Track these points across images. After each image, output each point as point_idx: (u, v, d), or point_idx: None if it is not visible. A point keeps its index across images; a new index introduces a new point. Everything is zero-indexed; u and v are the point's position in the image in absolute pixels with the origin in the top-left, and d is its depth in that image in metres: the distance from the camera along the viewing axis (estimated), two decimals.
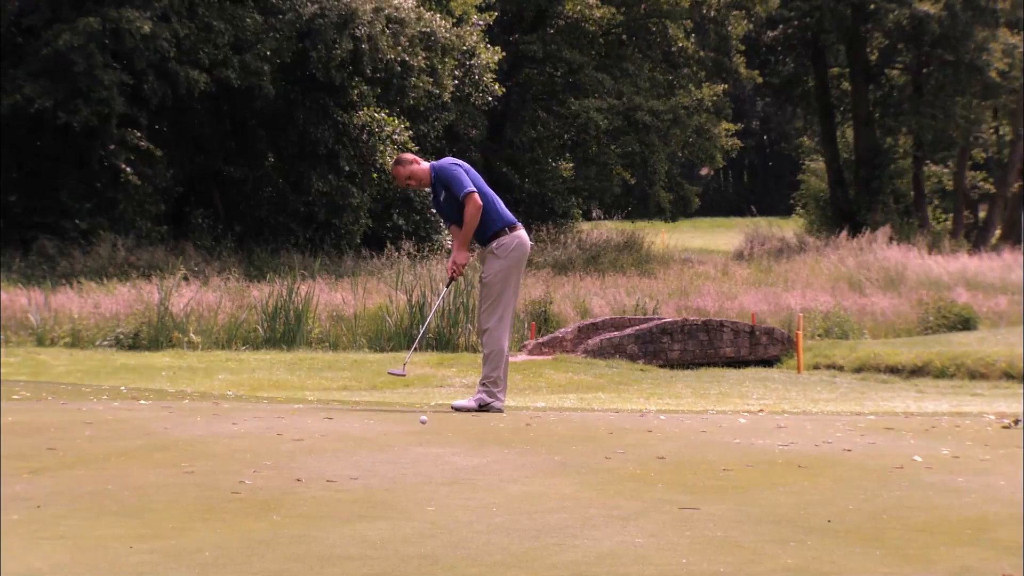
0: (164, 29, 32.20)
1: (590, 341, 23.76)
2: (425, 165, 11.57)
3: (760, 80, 56.85)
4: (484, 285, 11.48)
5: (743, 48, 53.72)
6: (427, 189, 12.24)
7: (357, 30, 34.05)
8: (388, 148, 36.58)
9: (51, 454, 8.80)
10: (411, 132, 38.07)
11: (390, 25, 35.13)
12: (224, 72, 33.18)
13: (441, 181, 11.39)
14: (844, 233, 40.90)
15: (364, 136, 36.37)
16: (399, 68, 35.08)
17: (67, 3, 32.32)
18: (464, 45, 37.81)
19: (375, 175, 36.28)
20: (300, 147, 36.41)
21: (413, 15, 35.65)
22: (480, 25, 40.06)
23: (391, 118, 36.96)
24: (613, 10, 47.20)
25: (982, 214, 61.61)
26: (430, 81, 36.33)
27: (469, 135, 43.82)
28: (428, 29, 35.97)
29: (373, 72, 35.14)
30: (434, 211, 12.45)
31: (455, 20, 38.56)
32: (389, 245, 34.58)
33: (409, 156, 11.79)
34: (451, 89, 37.74)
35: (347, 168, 36.03)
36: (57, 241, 32.03)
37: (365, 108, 36.57)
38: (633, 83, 46.20)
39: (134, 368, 19.47)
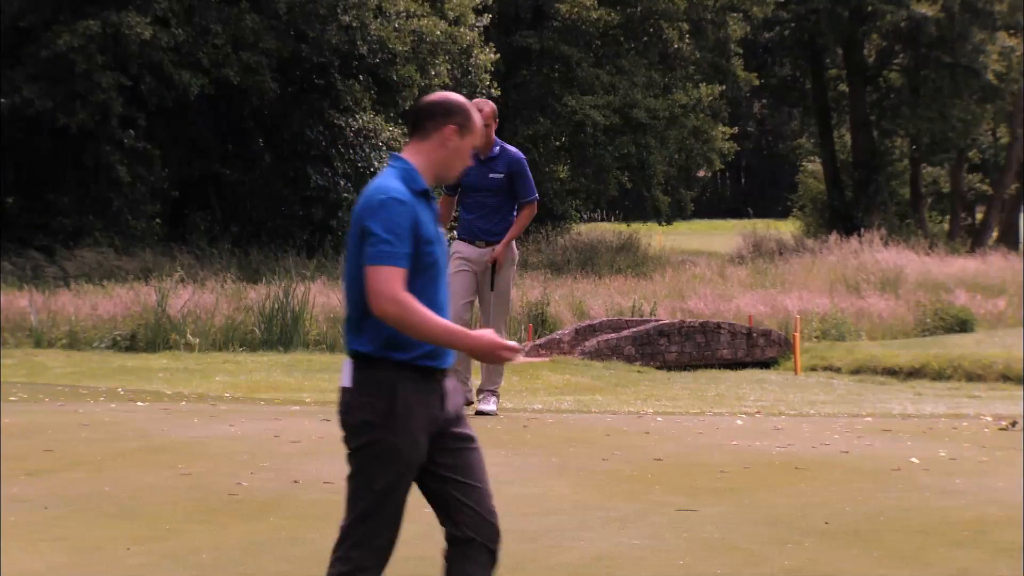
0: (163, 34, 32.20)
1: (587, 343, 23.75)
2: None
3: (757, 82, 56.89)
4: (499, 294, 11.18)
5: (740, 52, 53.73)
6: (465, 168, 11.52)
7: (347, 15, 34.14)
8: (384, 155, 36.58)
9: (49, 456, 8.80)
10: (407, 139, 38.07)
11: (377, 17, 35.23)
12: (224, 71, 33.19)
13: (514, 167, 11.00)
14: (838, 235, 40.91)
15: (359, 140, 36.37)
16: (390, 52, 35.00)
17: (67, 5, 32.32)
18: (456, 45, 37.78)
19: (371, 179, 36.30)
20: (296, 145, 36.43)
21: (400, 7, 35.66)
22: (478, 27, 40.07)
23: (387, 124, 36.95)
24: (610, 11, 47.22)
25: (979, 216, 61.66)
26: (418, 74, 36.26)
27: None
28: (416, 28, 35.99)
29: (368, 55, 35.06)
30: (445, 190, 11.54)
31: (451, 21, 38.52)
32: None
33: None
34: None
35: (341, 168, 36.05)
36: (52, 242, 32.02)
37: (361, 112, 36.57)
38: (630, 79, 46.23)
39: (131, 370, 19.46)
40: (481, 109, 10.89)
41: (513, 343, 4.50)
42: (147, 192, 34.79)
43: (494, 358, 4.49)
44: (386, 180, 4.51)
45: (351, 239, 4.51)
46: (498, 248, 11.12)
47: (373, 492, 4.52)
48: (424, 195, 4.52)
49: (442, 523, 4.62)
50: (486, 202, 11.11)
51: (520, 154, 11.19)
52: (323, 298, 25.76)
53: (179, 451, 9.03)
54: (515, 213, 11.20)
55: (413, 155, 4.60)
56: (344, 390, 4.55)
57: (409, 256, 4.41)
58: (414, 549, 6.51)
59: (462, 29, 38.30)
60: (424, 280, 4.46)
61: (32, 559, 6.35)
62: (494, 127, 10.95)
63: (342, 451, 9.54)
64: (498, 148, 11.03)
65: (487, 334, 4.48)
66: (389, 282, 4.36)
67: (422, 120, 4.62)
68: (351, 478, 4.56)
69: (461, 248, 11.16)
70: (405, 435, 4.49)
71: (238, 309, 24.56)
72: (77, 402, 12.37)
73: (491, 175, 10.98)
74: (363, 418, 4.49)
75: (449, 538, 4.61)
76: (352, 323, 4.52)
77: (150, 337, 22.85)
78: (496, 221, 11.14)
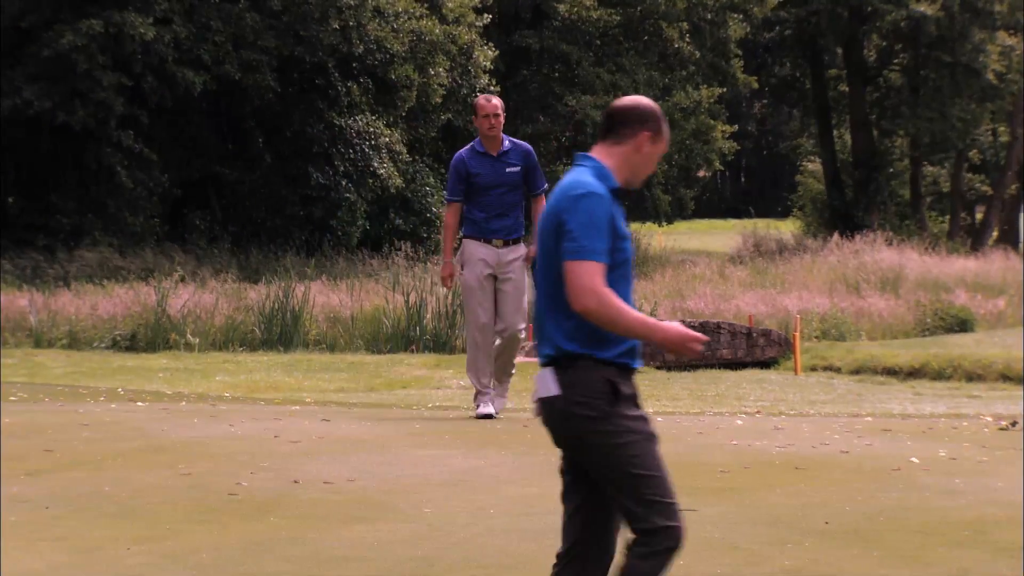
0: (165, 32, 32.21)
1: None
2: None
3: (756, 85, 56.81)
4: (518, 290, 10.90)
5: (739, 54, 53.71)
6: (471, 167, 11.17)
7: (343, 14, 34.14)
8: (384, 158, 36.53)
9: (49, 456, 8.80)
10: (406, 139, 38.00)
11: (375, 17, 35.23)
12: (225, 68, 33.20)
13: (530, 160, 10.94)
14: (840, 235, 40.87)
15: (359, 140, 36.35)
16: (387, 52, 34.99)
17: (67, 5, 32.32)
18: (456, 46, 37.77)
19: (371, 181, 36.27)
20: (296, 145, 36.45)
21: (399, 8, 35.66)
22: (477, 27, 40.06)
23: (387, 128, 36.94)
24: (610, 11, 47.22)
25: (979, 216, 61.64)
26: (417, 74, 36.24)
27: (467, 134, 43.79)
28: (414, 28, 36.00)
29: (366, 55, 35.03)
30: (450, 196, 11.10)
31: (450, 21, 38.53)
32: (386, 247, 34.56)
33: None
34: (441, 92, 37.67)
35: (342, 168, 36.07)
36: (53, 243, 32.03)
37: (360, 115, 36.57)
38: (631, 78, 46.22)
39: (131, 370, 19.47)
40: (489, 101, 10.92)
41: (700, 334, 4.47)
42: (147, 192, 34.79)
43: (685, 349, 4.46)
44: (580, 176, 4.50)
45: (544, 235, 4.50)
46: (533, 249, 11.01)
47: (637, 474, 4.44)
48: (616, 194, 4.51)
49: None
50: (503, 199, 10.94)
51: (529, 146, 11.13)
52: (323, 298, 25.76)
53: (179, 451, 9.03)
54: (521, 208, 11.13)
55: (605, 157, 4.58)
56: (552, 399, 4.48)
57: (608, 252, 4.41)
58: (414, 549, 6.52)
59: (460, 28, 38.28)
60: (615, 276, 4.46)
61: (32, 559, 6.35)
62: (502, 120, 10.89)
63: (342, 451, 9.54)
64: (508, 142, 10.94)
65: (677, 326, 4.46)
66: (590, 277, 4.36)
67: (617, 124, 4.61)
68: (609, 480, 4.48)
69: (477, 250, 10.90)
70: (629, 412, 4.47)
71: (238, 309, 24.56)
72: (77, 402, 12.36)
73: (508, 170, 10.87)
74: (585, 413, 4.43)
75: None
76: (549, 323, 4.50)
77: (150, 337, 22.86)
78: (513, 218, 10.99)
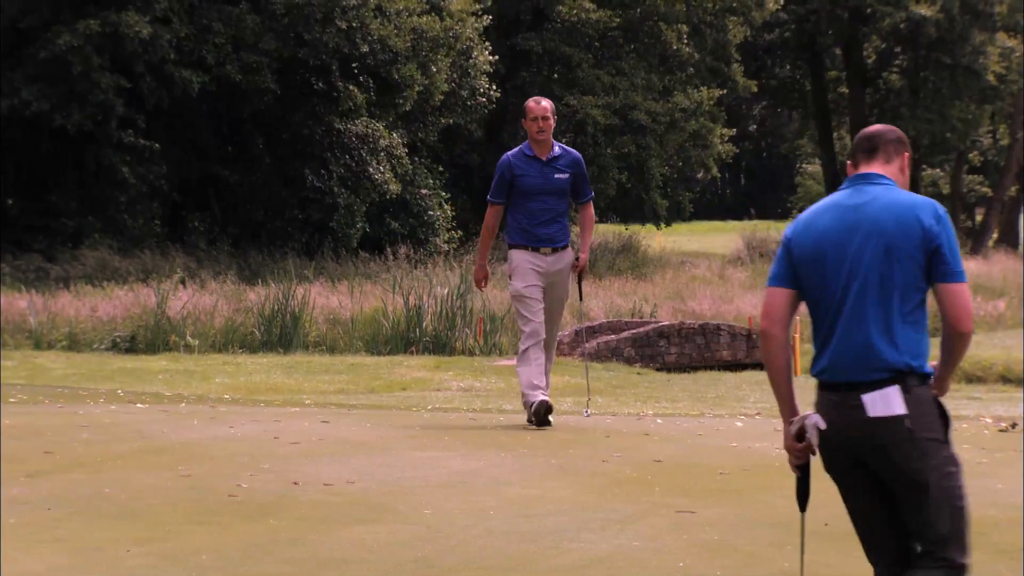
0: (164, 31, 32.20)
1: (587, 344, 23.75)
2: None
3: (756, 89, 56.92)
4: (561, 301, 10.79)
5: (739, 58, 53.75)
6: (511, 165, 10.73)
7: (342, 20, 34.13)
8: (382, 161, 36.53)
9: (48, 457, 8.80)
10: (405, 141, 37.98)
11: (378, 16, 35.22)
12: (226, 69, 33.19)
13: (578, 168, 10.57)
14: None
15: (358, 143, 36.34)
16: (391, 51, 34.97)
17: (67, 5, 32.32)
18: (458, 44, 37.77)
19: (368, 185, 36.26)
20: (294, 147, 36.46)
21: (400, 5, 35.68)
22: (477, 28, 40.04)
23: (387, 130, 36.91)
24: (611, 12, 47.23)
25: (979, 217, 61.70)
26: (419, 73, 36.22)
27: (466, 134, 43.79)
28: (415, 26, 36.03)
29: (369, 55, 35.02)
30: (492, 198, 10.63)
31: (452, 20, 38.52)
32: (387, 248, 34.59)
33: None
34: (444, 90, 37.67)
35: (336, 173, 36.07)
36: (52, 244, 32.03)
37: (360, 118, 36.55)
38: (630, 81, 46.23)
39: (131, 371, 19.46)
40: (538, 103, 10.54)
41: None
42: (147, 192, 34.78)
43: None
44: (908, 194, 4.54)
45: (890, 245, 4.46)
46: (583, 258, 10.67)
47: (957, 505, 4.49)
48: None
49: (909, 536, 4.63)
50: (550, 206, 10.55)
51: (579, 154, 10.75)
52: (323, 299, 25.75)
53: (179, 452, 9.03)
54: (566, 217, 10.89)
55: (887, 175, 4.62)
56: (899, 419, 4.46)
57: None
58: (414, 551, 6.52)
59: (463, 28, 38.29)
60: None
61: (32, 560, 6.35)
62: (552, 124, 10.50)
63: (341, 453, 9.53)
64: (558, 148, 10.59)
65: None
66: (970, 300, 4.47)
67: (883, 143, 4.65)
68: (927, 506, 4.49)
69: (527, 257, 10.51)
70: (952, 440, 4.58)
71: (238, 311, 24.55)
72: (77, 404, 12.36)
73: (556, 176, 10.49)
74: (933, 436, 4.48)
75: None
76: (891, 339, 4.48)
77: (150, 339, 22.85)
78: (559, 227, 10.53)
